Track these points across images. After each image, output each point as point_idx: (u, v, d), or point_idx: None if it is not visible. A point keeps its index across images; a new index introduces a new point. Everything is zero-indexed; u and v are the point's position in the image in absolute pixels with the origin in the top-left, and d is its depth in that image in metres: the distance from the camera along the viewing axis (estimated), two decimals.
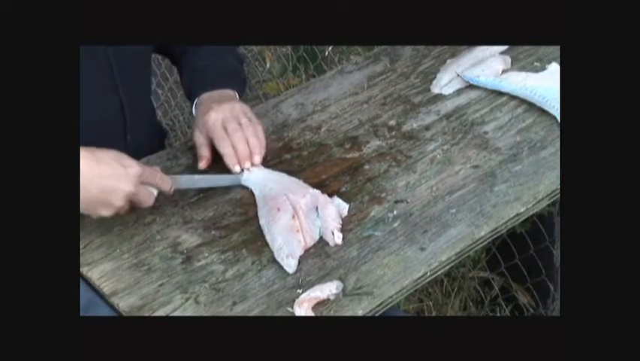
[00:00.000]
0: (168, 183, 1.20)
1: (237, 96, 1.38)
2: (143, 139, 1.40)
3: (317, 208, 1.19)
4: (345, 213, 1.21)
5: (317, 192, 1.21)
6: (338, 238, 1.16)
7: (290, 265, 1.11)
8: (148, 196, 1.17)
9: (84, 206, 1.13)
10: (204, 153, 1.30)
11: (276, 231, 1.15)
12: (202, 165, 1.30)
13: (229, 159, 1.27)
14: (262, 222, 1.19)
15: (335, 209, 1.19)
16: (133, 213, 1.19)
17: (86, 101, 1.26)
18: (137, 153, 1.29)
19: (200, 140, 1.31)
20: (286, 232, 1.15)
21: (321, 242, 1.17)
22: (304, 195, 1.19)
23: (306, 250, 1.14)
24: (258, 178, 1.26)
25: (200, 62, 1.41)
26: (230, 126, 1.27)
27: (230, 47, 1.47)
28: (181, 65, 1.46)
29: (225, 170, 1.28)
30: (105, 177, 1.12)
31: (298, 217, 1.16)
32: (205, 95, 1.36)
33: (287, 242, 1.13)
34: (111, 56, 1.30)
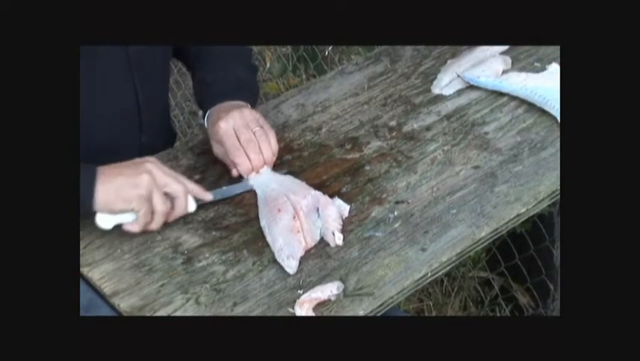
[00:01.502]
0: (204, 193, 1.21)
1: (249, 106, 1.35)
2: (157, 140, 1.40)
3: (318, 209, 1.19)
4: (346, 214, 1.21)
5: (318, 193, 1.21)
6: (339, 239, 1.16)
7: (291, 265, 1.11)
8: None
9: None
10: None
11: (276, 232, 1.15)
12: (235, 172, 1.29)
13: (243, 169, 1.27)
14: (263, 223, 1.19)
15: (336, 210, 1.19)
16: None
17: (101, 99, 1.26)
18: (151, 153, 1.29)
19: (220, 150, 1.30)
20: (287, 232, 1.15)
21: (322, 243, 1.17)
22: (305, 196, 1.19)
23: (307, 251, 1.14)
24: (263, 180, 1.26)
25: (210, 74, 1.40)
26: (243, 136, 1.26)
27: (243, 56, 1.45)
28: (193, 74, 1.46)
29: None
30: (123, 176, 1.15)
31: (299, 218, 1.16)
32: (214, 108, 1.34)
33: (287, 243, 1.13)
34: (130, 54, 1.30)
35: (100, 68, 1.25)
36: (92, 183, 1.13)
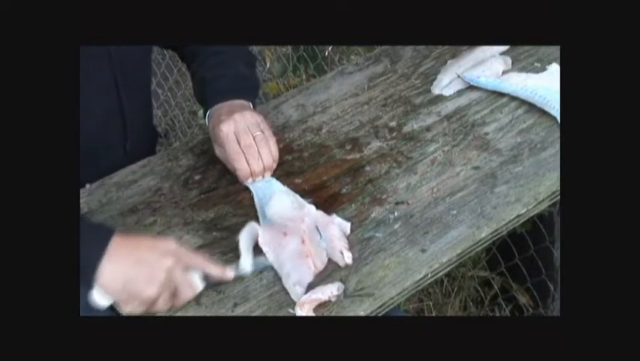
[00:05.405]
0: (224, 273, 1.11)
1: (251, 106, 1.34)
2: (141, 138, 1.40)
3: (317, 228, 1.16)
4: (347, 231, 1.18)
5: (313, 210, 1.19)
6: (348, 258, 1.12)
7: (296, 293, 1.08)
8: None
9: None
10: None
11: (284, 257, 1.12)
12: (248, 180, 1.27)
13: (242, 174, 1.26)
14: (266, 248, 1.14)
15: (338, 228, 1.16)
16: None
17: (85, 104, 1.25)
18: (135, 152, 1.28)
19: (221, 153, 1.29)
20: (295, 257, 1.12)
21: None
22: (302, 218, 1.17)
23: (317, 275, 1.11)
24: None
25: (209, 71, 1.37)
26: (244, 141, 1.25)
27: (241, 51, 1.42)
28: (191, 71, 1.42)
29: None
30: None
31: (306, 242, 1.13)
32: (216, 107, 1.32)
33: (296, 269, 1.10)
34: (113, 56, 1.29)
35: (82, 68, 1.24)
36: (99, 254, 1.02)
